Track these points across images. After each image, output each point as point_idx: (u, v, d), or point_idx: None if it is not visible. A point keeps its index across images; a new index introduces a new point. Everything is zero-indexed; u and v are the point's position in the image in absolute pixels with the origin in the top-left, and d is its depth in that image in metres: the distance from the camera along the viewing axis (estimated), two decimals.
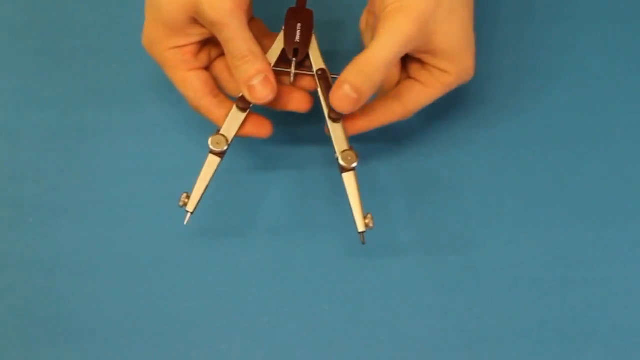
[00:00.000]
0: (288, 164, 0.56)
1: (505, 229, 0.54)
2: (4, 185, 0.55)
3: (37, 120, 0.57)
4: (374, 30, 0.48)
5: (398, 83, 0.51)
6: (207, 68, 0.51)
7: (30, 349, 0.51)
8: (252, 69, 0.47)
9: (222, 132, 0.49)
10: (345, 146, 0.49)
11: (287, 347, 0.51)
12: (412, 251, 0.53)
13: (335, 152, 0.49)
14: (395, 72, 0.50)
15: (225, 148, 0.48)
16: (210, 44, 0.50)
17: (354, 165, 0.48)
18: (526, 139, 0.56)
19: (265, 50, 0.49)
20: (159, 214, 0.54)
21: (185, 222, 0.49)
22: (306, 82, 0.51)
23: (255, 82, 0.47)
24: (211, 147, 0.48)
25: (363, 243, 0.48)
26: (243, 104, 0.49)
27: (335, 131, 0.49)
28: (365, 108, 0.49)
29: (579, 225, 0.54)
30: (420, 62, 0.49)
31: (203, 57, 0.50)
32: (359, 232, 0.48)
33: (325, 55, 0.50)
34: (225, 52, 0.48)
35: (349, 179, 0.48)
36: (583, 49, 0.59)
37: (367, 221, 0.48)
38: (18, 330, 0.51)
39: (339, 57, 0.52)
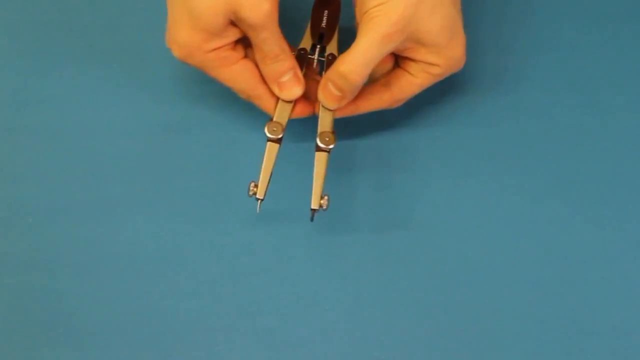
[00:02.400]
0: (286, 162, 0.56)
1: (505, 229, 0.54)
2: (4, 185, 0.55)
3: (37, 120, 0.57)
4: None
5: (390, 70, 0.52)
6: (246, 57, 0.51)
7: (30, 349, 0.51)
8: (282, 67, 0.49)
9: (275, 119, 0.50)
10: (327, 128, 0.50)
11: (287, 347, 0.51)
12: (412, 251, 0.53)
13: (318, 131, 0.50)
14: (387, 61, 0.51)
15: (282, 135, 0.50)
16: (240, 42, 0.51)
17: (330, 147, 0.50)
18: (526, 137, 0.56)
19: None
20: (159, 213, 0.54)
21: (257, 210, 0.50)
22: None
23: (285, 79, 0.49)
24: (268, 134, 0.50)
25: (311, 220, 0.50)
26: None
27: (323, 112, 0.51)
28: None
29: (579, 225, 0.54)
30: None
31: (240, 49, 0.50)
32: (311, 209, 0.50)
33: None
34: (256, 50, 0.49)
35: (319, 158, 0.50)
36: (566, 32, 0.60)
37: (322, 201, 0.50)
38: (18, 330, 0.51)
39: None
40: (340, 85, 0.49)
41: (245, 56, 0.51)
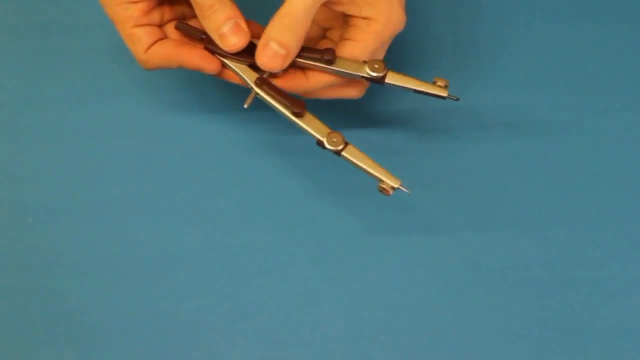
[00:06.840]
0: (285, 162, 0.56)
1: (504, 229, 0.54)
2: (4, 185, 0.55)
3: (37, 120, 0.57)
4: None
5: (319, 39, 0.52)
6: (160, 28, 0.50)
7: (30, 349, 0.51)
8: (221, 17, 0.47)
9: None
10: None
11: (287, 347, 0.51)
12: (412, 251, 0.53)
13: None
14: (314, 27, 0.51)
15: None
16: (165, 5, 0.50)
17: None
18: (523, 138, 0.57)
19: None
20: (159, 214, 0.54)
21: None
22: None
23: (226, 29, 0.47)
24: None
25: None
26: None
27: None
28: (304, 70, 0.49)
29: (579, 225, 0.54)
30: (345, 20, 0.49)
31: (155, 16, 0.50)
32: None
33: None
34: (193, 5, 0.47)
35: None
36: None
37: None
38: (18, 330, 0.51)
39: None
40: (284, 41, 0.47)
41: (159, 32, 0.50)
